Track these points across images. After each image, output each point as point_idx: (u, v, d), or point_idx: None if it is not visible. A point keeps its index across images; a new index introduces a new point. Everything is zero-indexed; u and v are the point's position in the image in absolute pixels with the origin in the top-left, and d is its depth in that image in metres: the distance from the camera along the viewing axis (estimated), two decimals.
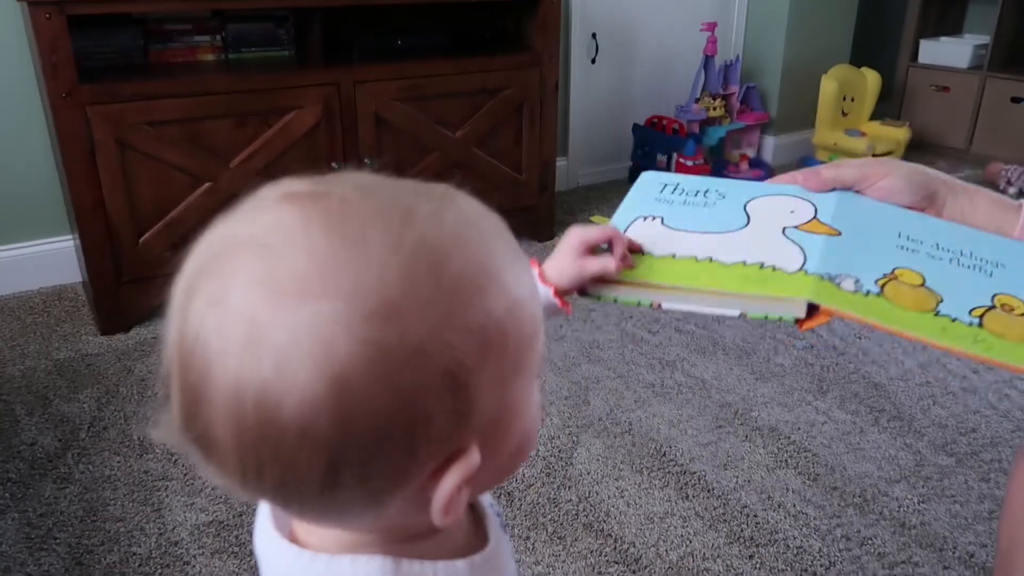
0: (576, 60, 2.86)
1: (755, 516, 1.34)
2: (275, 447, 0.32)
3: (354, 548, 0.39)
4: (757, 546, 1.28)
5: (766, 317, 0.55)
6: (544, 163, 2.38)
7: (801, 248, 0.58)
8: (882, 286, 0.55)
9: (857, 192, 0.65)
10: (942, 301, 0.54)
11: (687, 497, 1.38)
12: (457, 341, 0.32)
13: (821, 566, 1.24)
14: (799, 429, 1.58)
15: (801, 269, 0.56)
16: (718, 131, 3.00)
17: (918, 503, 1.37)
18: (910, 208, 0.64)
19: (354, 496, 0.34)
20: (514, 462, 0.40)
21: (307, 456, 0.32)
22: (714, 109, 2.97)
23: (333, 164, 2.02)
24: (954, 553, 1.26)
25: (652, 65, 3.09)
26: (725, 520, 1.33)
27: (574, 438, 1.54)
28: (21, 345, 1.85)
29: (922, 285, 0.56)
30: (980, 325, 0.53)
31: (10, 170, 2.05)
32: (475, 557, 0.41)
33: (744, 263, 0.57)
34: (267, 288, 0.31)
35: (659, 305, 0.58)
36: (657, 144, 2.93)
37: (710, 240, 0.60)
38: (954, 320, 0.53)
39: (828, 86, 3.12)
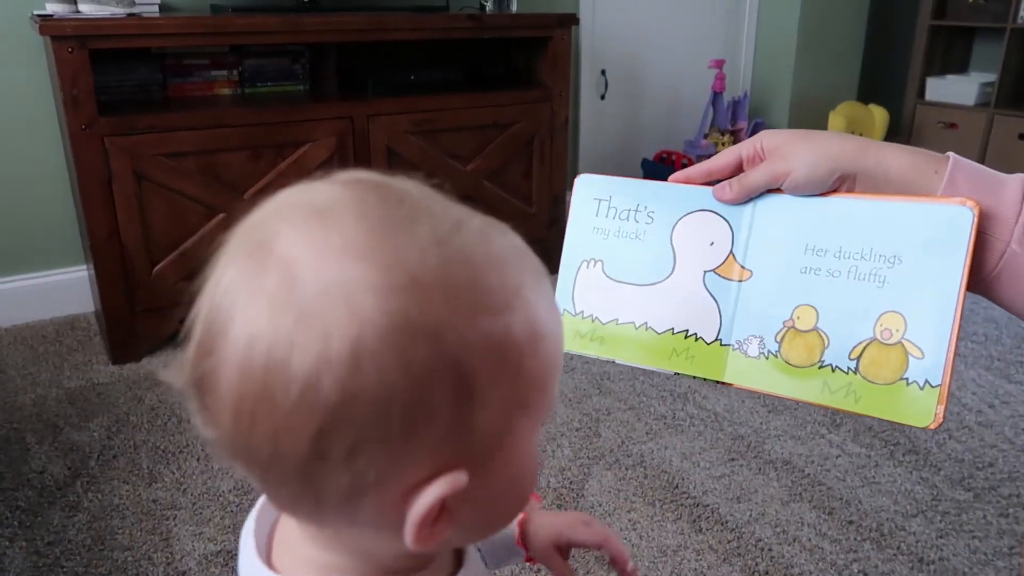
0: (586, 96, 2.90)
1: (770, 550, 1.32)
2: (274, 397, 0.31)
3: (329, 574, 0.38)
4: None
5: (693, 377, 0.63)
6: (554, 197, 2.40)
7: (717, 306, 0.64)
8: (780, 340, 0.61)
9: (770, 192, 0.65)
10: (828, 346, 0.59)
11: (700, 530, 1.36)
12: (474, 341, 0.32)
13: None
14: (813, 462, 1.56)
15: (716, 339, 0.64)
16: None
17: (936, 538, 1.35)
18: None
19: (335, 478, 0.33)
20: (504, 508, 0.39)
21: (305, 414, 0.31)
22: (723, 144, 2.99)
23: None
24: None
25: (661, 101, 3.12)
26: (739, 554, 1.31)
27: (585, 470, 1.52)
28: (33, 374, 1.85)
29: (815, 327, 0.60)
30: (856, 370, 0.58)
31: (26, 200, 2.08)
32: None
33: (672, 331, 0.65)
34: (311, 242, 0.32)
35: (613, 360, 0.67)
36: (666, 179, 2.95)
37: (644, 298, 0.67)
38: (834, 370, 0.58)
39: (836, 122, 3.14)
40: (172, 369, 0.35)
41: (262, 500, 0.43)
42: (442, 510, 0.34)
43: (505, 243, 0.36)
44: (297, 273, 0.32)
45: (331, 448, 0.32)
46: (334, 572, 0.38)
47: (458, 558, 0.45)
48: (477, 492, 0.34)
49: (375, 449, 0.32)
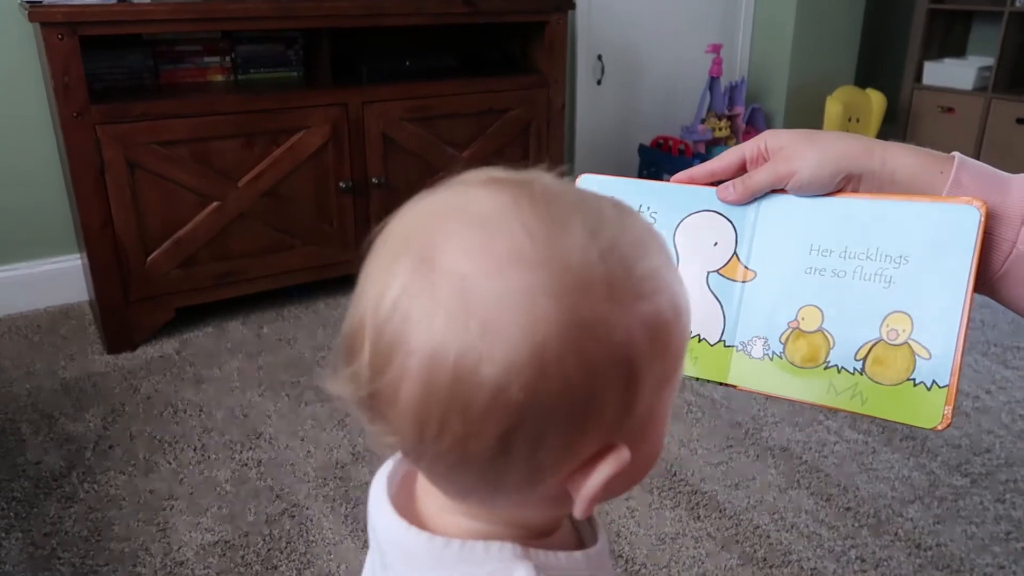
0: (582, 81, 2.88)
1: (768, 537, 1.32)
2: (464, 406, 0.33)
3: (485, 537, 0.40)
4: (771, 567, 1.26)
5: (697, 379, 0.63)
6: None
7: (721, 307, 0.64)
8: (785, 341, 0.60)
9: (774, 192, 0.64)
10: (833, 347, 0.58)
11: (699, 517, 1.36)
12: (635, 329, 0.34)
13: None
14: (811, 449, 1.56)
15: (720, 340, 0.63)
16: (724, 151, 3.01)
17: (933, 524, 1.35)
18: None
19: (516, 469, 0.35)
20: (641, 472, 0.41)
21: (494, 418, 0.33)
22: (720, 130, 2.98)
23: (341, 184, 2.03)
24: (971, 575, 1.24)
25: (658, 86, 3.10)
26: (738, 541, 1.31)
27: None
28: (27, 364, 1.84)
29: (820, 328, 0.59)
30: (862, 371, 0.57)
31: (19, 189, 2.06)
32: (590, 550, 0.44)
33: None
34: (481, 254, 0.33)
35: None
36: (663, 164, 2.94)
37: None
38: (840, 371, 0.57)
39: (833, 108, 3.13)
40: (341, 382, 0.36)
41: (389, 467, 0.45)
42: None
43: (638, 225, 0.38)
44: (470, 285, 0.33)
45: (515, 445, 0.34)
46: (488, 536, 0.40)
47: (572, 521, 0.47)
48: (630, 463, 0.37)
49: (555, 440, 0.34)
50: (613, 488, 0.38)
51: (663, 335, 0.36)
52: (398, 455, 0.46)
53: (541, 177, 0.37)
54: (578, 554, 0.42)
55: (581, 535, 0.47)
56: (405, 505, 0.44)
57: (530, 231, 0.34)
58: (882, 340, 0.57)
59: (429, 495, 0.43)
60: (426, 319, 0.33)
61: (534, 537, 0.41)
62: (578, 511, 0.37)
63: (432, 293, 0.33)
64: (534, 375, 0.32)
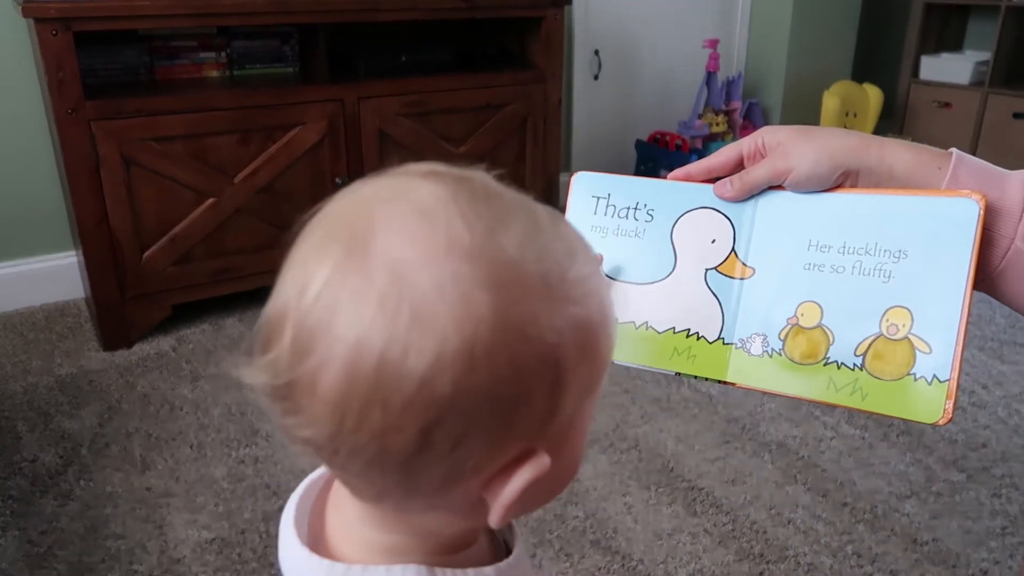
0: (579, 76, 2.87)
1: (765, 532, 1.32)
2: (387, 397, 0.31)
3: (391, 556, 0.39)
4: (767, 563, 1.26)
5: (695, 376, 0.62)
6: (548, 179, 2.38)
7: (719, 304, 0.63)
8: (784, 337, 0.60)
9: (772, 188, 0.64)
10: (833, 343, 0.58)
11: (695, 513, 1.36)
12: (566, 331, 0.34)
13: None
14: (807, 444, 1.56)
15: (719, 338, 0.63)
16: (721, 147, 3.00)
17: (929, 519, 1.36)
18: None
19: (435, 468, 0.34)
20: (558, 485, 0.40)
21: (416, 411, 0.32)
22: (717, 125, 2.97)
23: (337, 179, 2.02)
24: (967, 570, 1.25)
25: (655, 81, 3.10)
26: (734, 536, 1.31)
27: None
28: (23, 361, 1.84)
29: (819, 324, 0.59)
30: (862, 367, 0.56)
31: (14, 186, 2.05)
32: (502, 564, 0.42)
33: (673, 330, 0.64)
34: (418, 242, 0.32)
35: (612, 362, 0.65)
36: (660, 160, 2.94)
37: (644, 297, 0.66)
38: (840, 366, 0.57)
39: (830, 102, 3.13)
40: (257, 371, 0.34)
41: (300, 491, 0.44)
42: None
43: (570, 233, 0.37)
44: (405, 273, 0.32)
45: (437, 441, 0.33)
46: (395, 553, 0.39)
47: (492, 533, 0.46)
48: (549, 472, 0.36)
49: (477, 439, 0.33)
50: (529, 499, 0.37)
51: (592, 340, 0.36)
52: (307, 480, 0.45)
53: (481, 175, 0.37)
54: (488, 570, 0.41)
55: (508, 547, 0.45)
56: (316, 533, 0.42)
57: (469, 223, 0.33)
58: (882, 335, 0.56)
59: (340, 509, 0.42)
60: (355, 305, 0.32)
61: (446, 552, 0.40)
62: (494, 519, 0.36)
63: (364, 279, 0.32)
64: (462, 369, 0.31)
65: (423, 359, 0.31)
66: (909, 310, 0.56)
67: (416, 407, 0.32)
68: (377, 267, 0.32)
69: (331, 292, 0.32)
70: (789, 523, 1.34)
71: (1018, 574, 1.23)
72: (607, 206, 0.68)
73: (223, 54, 2.14)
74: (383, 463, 0.34)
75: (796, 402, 1.70)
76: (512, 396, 0.33)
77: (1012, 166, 0.59)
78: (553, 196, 2.41)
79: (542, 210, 0.37)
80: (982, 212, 0.54)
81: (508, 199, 0.36)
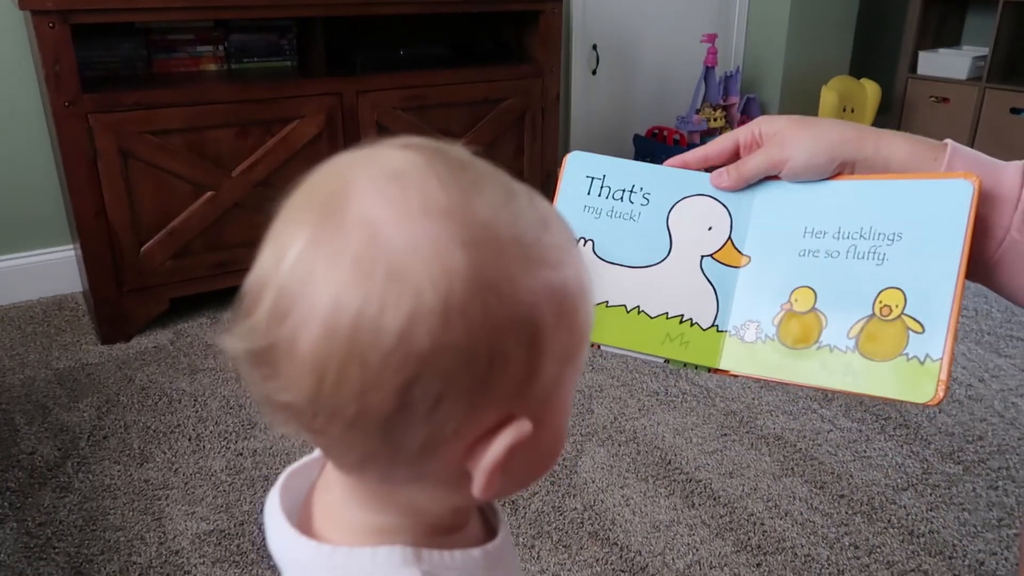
0: (577, 71, 2.87)
1: (762, 524, 1.33)
2: (364, 353, 0.32)
3: (379, 537, 0.39)
4: (765, 554, 1.26)
5: (684, 364, 0.62)
6: (546, 173, 2.38)
7: (715, 291, 0.63)
8: (777, 323, 0.60)
9: (769, 178, 0.64)
10: (826, 327, 0.58)
11: (693, 505, 1.37)
12: (541, 294, 0.34)
13: (830, 574, 1.22)
14: (805, 437, 1.56)
15: (713, 325, 0.62)
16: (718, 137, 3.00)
17: (926, 511, 1.36)
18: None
19: (415, 431, 0.34)
20: (545, 460, 0.40)
21: (394, 368, 0.32)
22: (715, 120, 2.98)
23: None
24: (964, 561, 1.25)
25: (653, 76, 3.10)
26: (732, 528, 1.32)
27: (578, 446, 1.52)
28: (21, 354, 1.84)
29: (813, 308, 0.59)
30: (855, 348, 0.56)
31: (11, 179, 2.05)
32: (488, 546, 0.42)
33: (667, 316, 0.63)
34: (393, 204, 0.33)
35: (598, 346, 0.64)
36: (658, 155, 2.94)
37: (637, 280, 0.65)
38: (832, 350, 0.57)
39: (828, 97, 3.13)
40: (233, 336, 0.35)
41: (284, 477, 0.44)
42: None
43: (544, 206, 0.38)
44: (380, 232, 0.32)
45: (416, 401, 0.33)
46: (384, 533, 0.39)
47: (484, 518, 0.46)
48: (531, 442, 0.36)
49: (456, 399, 0.33)
50: (513, 472, 0.37)
51: (568, 307, 0.36)
52: (294, 466, 0.45)
53: (457, 147, 0.37)
54: (475, 551, 0.41)
55: (497, 530, 0.46)
56: (305, 516, 0.42)
57: (445, 185, 0.34)
58: (875, 316, 0.56)
59: (327, 491, 0.42)
60: (331, 266, 0.32)
61: (435, 534, 0.40)
62: (477, 488, 0.36)
63: (340, 240, 0.32)
64: (437, 325, 0.31)
65: (399, 315, 0.31)
66: (902, 290, 0.56)
67: (394, 364, 0.32)
68: (352, 229, 0.32)
69: (308, 256, 0.33)
70: (786, 515, 1.35)
71: (1015, 565, 1.24)
72: (601, 187, 0.68)
73: (221, 47, 2.13)
74: (363, 425, 0.33)
75: (793, 395, 1.70)
76: (488, 355, 0.33)
77: (1009, 160, 0.59)
78: (551, 190, 2.39)
79: (517, 183, 0.37)
80: (976, 192, 0.54)
81: (482, 169, 0.36)
